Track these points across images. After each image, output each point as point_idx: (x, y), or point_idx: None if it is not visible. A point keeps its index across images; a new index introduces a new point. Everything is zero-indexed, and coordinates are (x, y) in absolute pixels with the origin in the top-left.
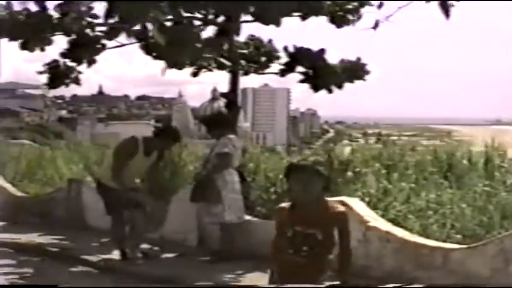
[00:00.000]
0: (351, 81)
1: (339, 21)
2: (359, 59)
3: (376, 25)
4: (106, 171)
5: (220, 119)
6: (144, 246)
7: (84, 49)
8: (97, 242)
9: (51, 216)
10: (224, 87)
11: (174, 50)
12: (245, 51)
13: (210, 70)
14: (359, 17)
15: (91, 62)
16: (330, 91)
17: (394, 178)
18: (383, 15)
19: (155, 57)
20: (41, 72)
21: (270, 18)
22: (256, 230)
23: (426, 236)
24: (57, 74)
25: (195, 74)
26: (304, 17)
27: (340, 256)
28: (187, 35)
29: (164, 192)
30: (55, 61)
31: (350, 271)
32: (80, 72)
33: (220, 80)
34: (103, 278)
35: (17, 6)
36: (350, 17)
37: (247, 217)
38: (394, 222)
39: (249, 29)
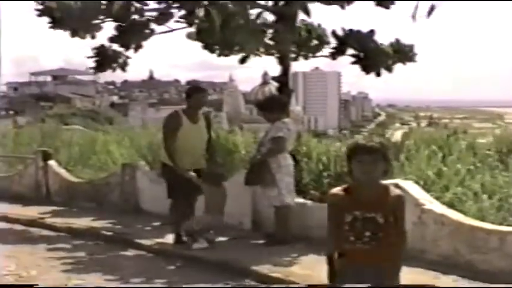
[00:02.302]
0: (403, 63)
1: (386, 2)
2: (397, 40)
3: (432, 10)
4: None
5: (275, 102)
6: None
7: (132, 34)
8: (151, 226)
9: (106, 201)
10: (273, 71)
11: (227, 35)
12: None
13: (259, 55)
14: None
15: (138, 47)
16: (378, 74)
17: (448, 161)
18: None
19: (206, 47)
20: (89, 57)
21: None
22: (310, 213)
23: (481, 219)
24: (104, 59)
25: (242, 61)
26: (350, 1)
27: (393, 243)
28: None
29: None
30: (102, 46)
31: (406, 254)
32: (128, 57)
33: (268, 64)
34: (156, 262)
35: None
36: None
37: (301, 200)
38: (449, 205)
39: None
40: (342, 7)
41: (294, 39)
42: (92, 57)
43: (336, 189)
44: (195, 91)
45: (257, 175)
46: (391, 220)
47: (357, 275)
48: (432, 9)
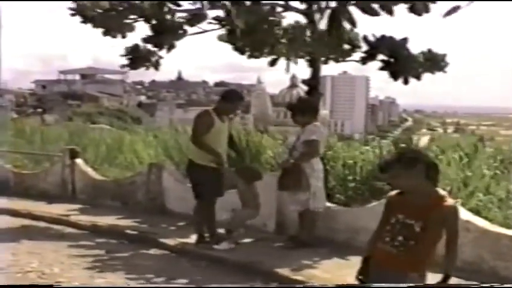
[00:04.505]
0: (432, 72)
1: (420, 9)
2: (430, 49)
3: (453, 10)
4: (195, 150)
5: (307, 105)
6: (221, 231)
7: (166, 35)
8: (176, 226)
9: (131, 200)
10: (301, 74)
11: (254, 38)
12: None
13: (289, 59)
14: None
15: (171, 47)
16: (406, 82)
17: (474, 168)
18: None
19: (235, 48)
20: (123, 55)
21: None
22: (335, 217)
23: (506, 226)
24: (137, 57)
25: (272, 63)
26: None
27: (445, 253)
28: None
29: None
30: (137, 45)
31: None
32: (160, 57)
33: (297, 67)
34: (180, 262)
35: None
36: (430, 4)
37: (327, 203)
38: (475, 211)
39: None
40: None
41: (320, 42)
42: (125, 55)
43: (395, 191)
44: (237, 98)
45: (291, 180)
46: (432, 231)
47: (380, 277)
48: (453, 10)
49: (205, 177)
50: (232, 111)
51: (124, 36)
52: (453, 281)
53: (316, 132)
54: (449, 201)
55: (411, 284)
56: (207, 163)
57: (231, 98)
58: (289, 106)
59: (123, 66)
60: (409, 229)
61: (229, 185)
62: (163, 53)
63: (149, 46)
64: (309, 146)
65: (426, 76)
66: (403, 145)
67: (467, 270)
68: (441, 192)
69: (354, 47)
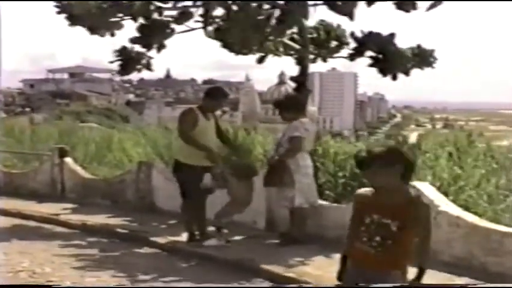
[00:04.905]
0: (421, 68)
1: (407, 6)
2: (419, 45)
3: (433, 5)
4: (182, 148)
5: (292, 102)
6: (212, 228)
7: (153, 34)
8: (166, 224)
9: (121, 198)
10: (289, 71)
11: (242, 35)
12: (315, 35)
13: (278, 55)
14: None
15: (161, 47)
16: (395, 77)
17: (464, 163)
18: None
19: (224, 45)
20: (112, 62)
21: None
22: (325, 214)
23: (496, 221)
24: (127, 61)
25: (260, 60)
26: (370, 3)
27: (419, 249)
28: (254, 19)
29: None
30: (124, 48)
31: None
32: (151, 58)
33: (285, 64)
34: (170, 260)
35: None
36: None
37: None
38: (464, 207)
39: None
40: (351, 18)
41: (307, 39)
42: (115, 60)
43: (364, 190)
44: (221, 95)
45: (276, 176)
46: (408, 230)
47: (360, 277)
48: (434, 4)
49: (193, 177)
50: (217, 108)
51: (112, 35)
52: (443, 277)
53: (300, 128)
54: (421, 200)
55: (405, 284)
56: (193, 162)
57: (215, 95)
58: (275, 103)
59: (116, 72)
60: (386, 229)
61: (221, 183)
62: (152, 52)
63: (138, 47)
64: (291, 142)
65: (416, 72)
66: (391, 141)
67: (458, 265)
68: (414, 191)
69: (342, 43)
